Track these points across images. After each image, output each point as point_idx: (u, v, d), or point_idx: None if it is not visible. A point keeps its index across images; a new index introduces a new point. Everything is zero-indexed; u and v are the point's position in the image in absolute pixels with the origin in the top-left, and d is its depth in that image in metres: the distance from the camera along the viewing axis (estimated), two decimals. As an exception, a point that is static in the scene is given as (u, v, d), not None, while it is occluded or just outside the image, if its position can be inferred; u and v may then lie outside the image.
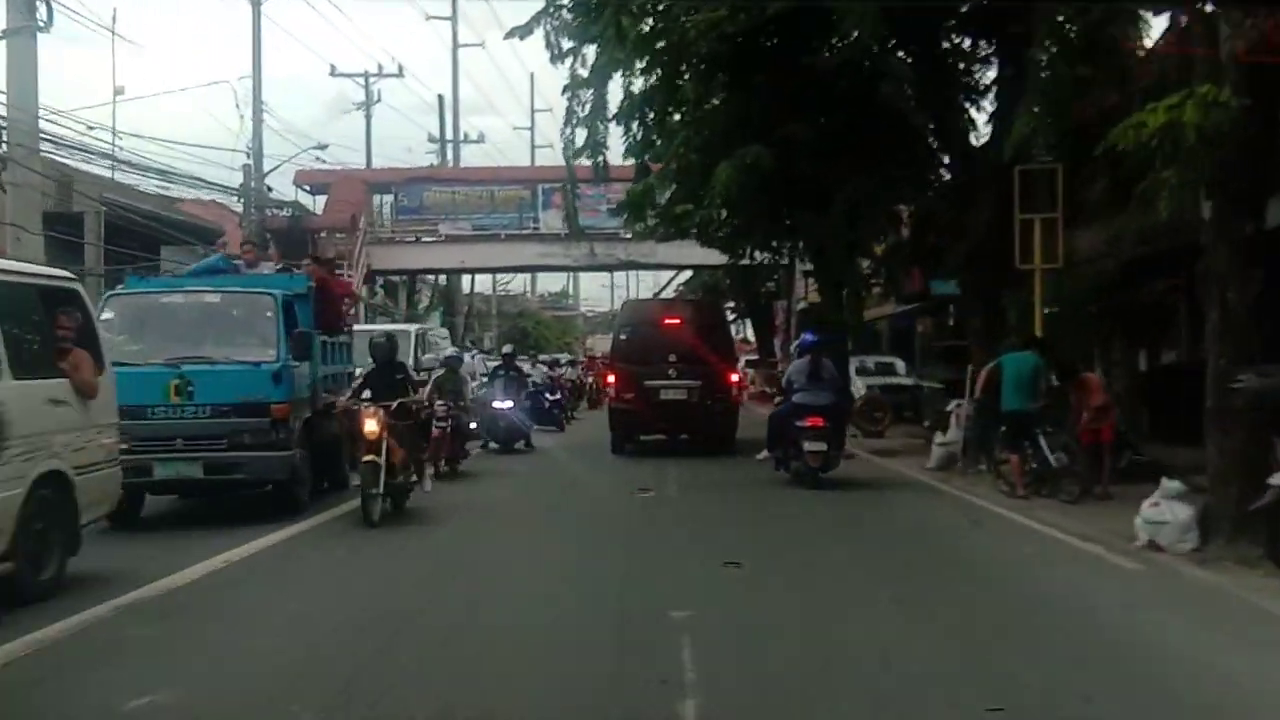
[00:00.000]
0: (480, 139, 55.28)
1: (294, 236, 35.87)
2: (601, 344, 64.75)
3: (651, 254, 39.00)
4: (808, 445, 12.59)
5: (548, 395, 24.22)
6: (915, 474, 15.37)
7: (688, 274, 48.83)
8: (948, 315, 30.60)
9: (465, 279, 56.08)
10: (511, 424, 18.96)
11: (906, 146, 23.27)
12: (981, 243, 14.43)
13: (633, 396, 17.74)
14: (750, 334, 52.59)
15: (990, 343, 14.37)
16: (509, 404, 19.06)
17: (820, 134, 21.66)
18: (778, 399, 14.52)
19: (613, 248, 39.07)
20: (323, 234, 37.94)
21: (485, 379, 19.90)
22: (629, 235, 39.11)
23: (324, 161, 40.27)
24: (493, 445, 18.76)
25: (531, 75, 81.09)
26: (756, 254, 27.38)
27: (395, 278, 47.28)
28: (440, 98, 47.46)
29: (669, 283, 49.55)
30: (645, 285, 78.38)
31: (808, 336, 14.70)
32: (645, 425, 18.14)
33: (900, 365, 29.12)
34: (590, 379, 32.13)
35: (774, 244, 26.67)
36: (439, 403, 13.62)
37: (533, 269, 45.04)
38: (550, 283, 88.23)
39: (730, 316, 52.57)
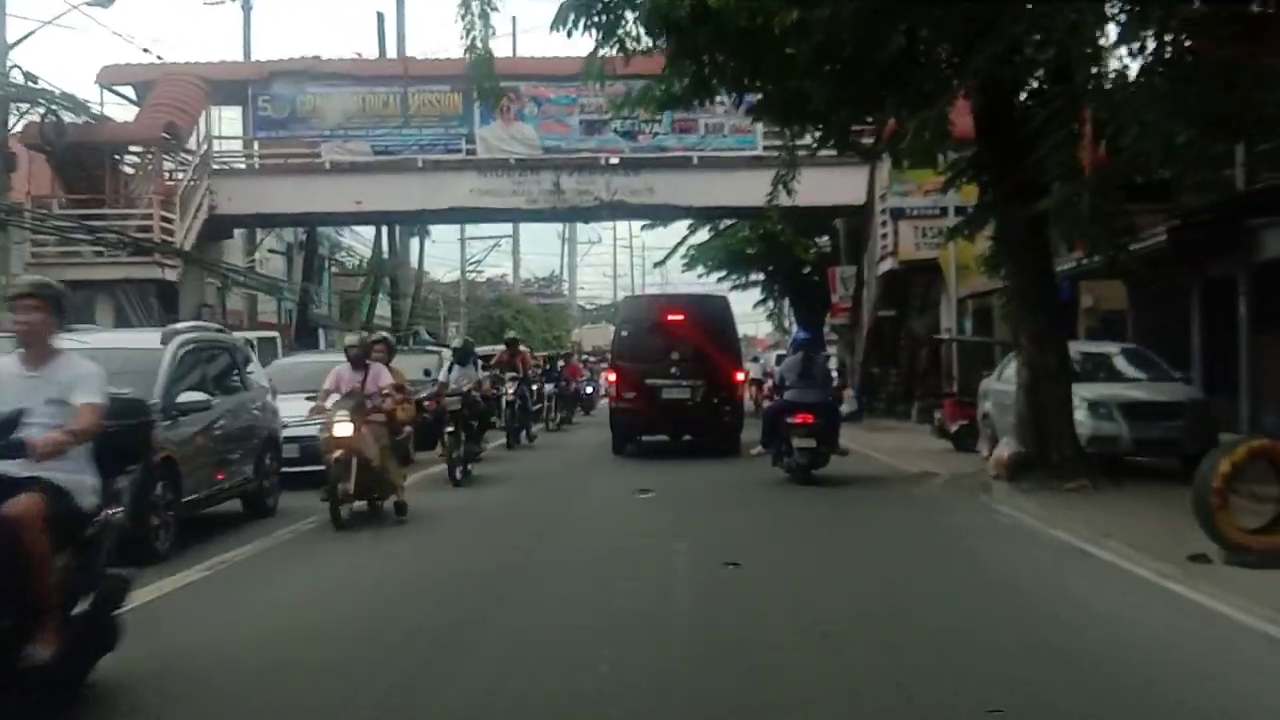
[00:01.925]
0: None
1: (63, 152, 22.26)
2: (591, 336, 52.51)
3: (648, 192, 25.50)
4: (797, 442, 12.48)
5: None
6: None
7: (704, 234, 35.09)
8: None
9: (412, 248, 42.87)
10: None
11: None
12: None
13: (634, 396, 16.68)
14: (792, 319, 38.84)
15: None
16: None
17: None
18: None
19: (589, 180, 25.43)
20: (141, 156, 24.30)
21: None
22: (615, 160, 25.60)
23: (161, 59, 26.69)
24: None
25: (513, 19, 67.45)
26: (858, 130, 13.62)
27: (290, 236, 33.62)
28: (380, 15, 34.59)
29: (679, 245, 35.83)
30: (652, 248, 65.54)
31: (800, 334, 14.68)
32: (646, 426, 17.09)
33: (1120, 356, 14.99)
34: (513, 386, 17.55)
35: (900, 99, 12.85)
36: None
37: (466, 214, 29.87)
38: (534, 263, 75.60)
39: (760, 296, 39.29)
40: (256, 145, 26.00)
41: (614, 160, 25.56)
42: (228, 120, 26.96)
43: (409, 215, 27.15)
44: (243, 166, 26.44)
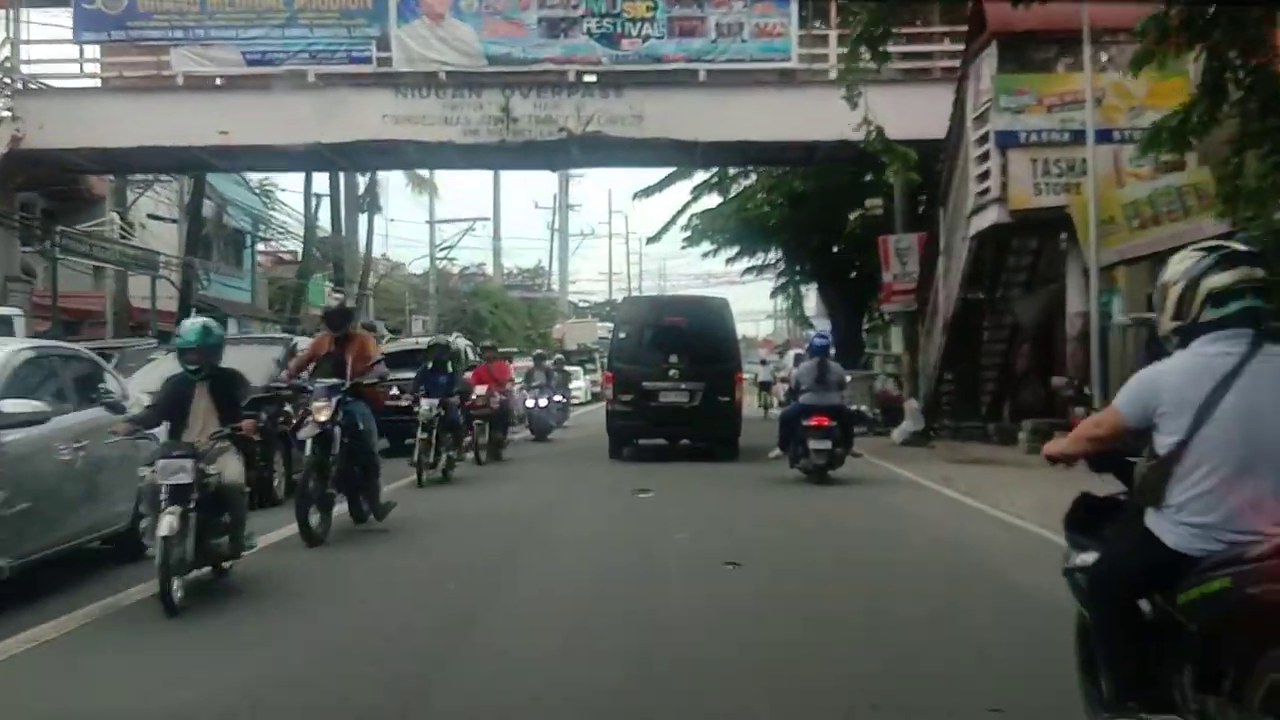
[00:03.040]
0: None
1: None
2: (575, 332, 45.51)
3: (635, 121, 18.45)
4: (813, 444, 13.11)
5: None
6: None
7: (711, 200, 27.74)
8: None
9: (360, 223, 35.85)
10: None
11: None
12: None
13: (631, 399, 16.60)
14: (815, 311, 31.48)
15: None
16: None
17: None
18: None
19: (552, 103, 18.07)
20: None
21: None
22: (589, 75, 18.22)
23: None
24: None
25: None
26: None
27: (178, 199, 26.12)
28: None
29: (680, 213, 28.51)
30: (652, 218, 58.41)
31: (816, 339, 14.67)
32: (644, 429, 17.01)
33: None
34: (327, 407, 8.62)
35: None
36: None
37: (376, 150, 19.95)
38: (515, 249, 68.42)
39: (778, 281, 31.98)
40: (82, 52, 18.51)
41: (588, 75, 18.11)
42: (52, 23, 19.44)
43: (296, 152, 19.38)
44: (61, 84, 18.85)
